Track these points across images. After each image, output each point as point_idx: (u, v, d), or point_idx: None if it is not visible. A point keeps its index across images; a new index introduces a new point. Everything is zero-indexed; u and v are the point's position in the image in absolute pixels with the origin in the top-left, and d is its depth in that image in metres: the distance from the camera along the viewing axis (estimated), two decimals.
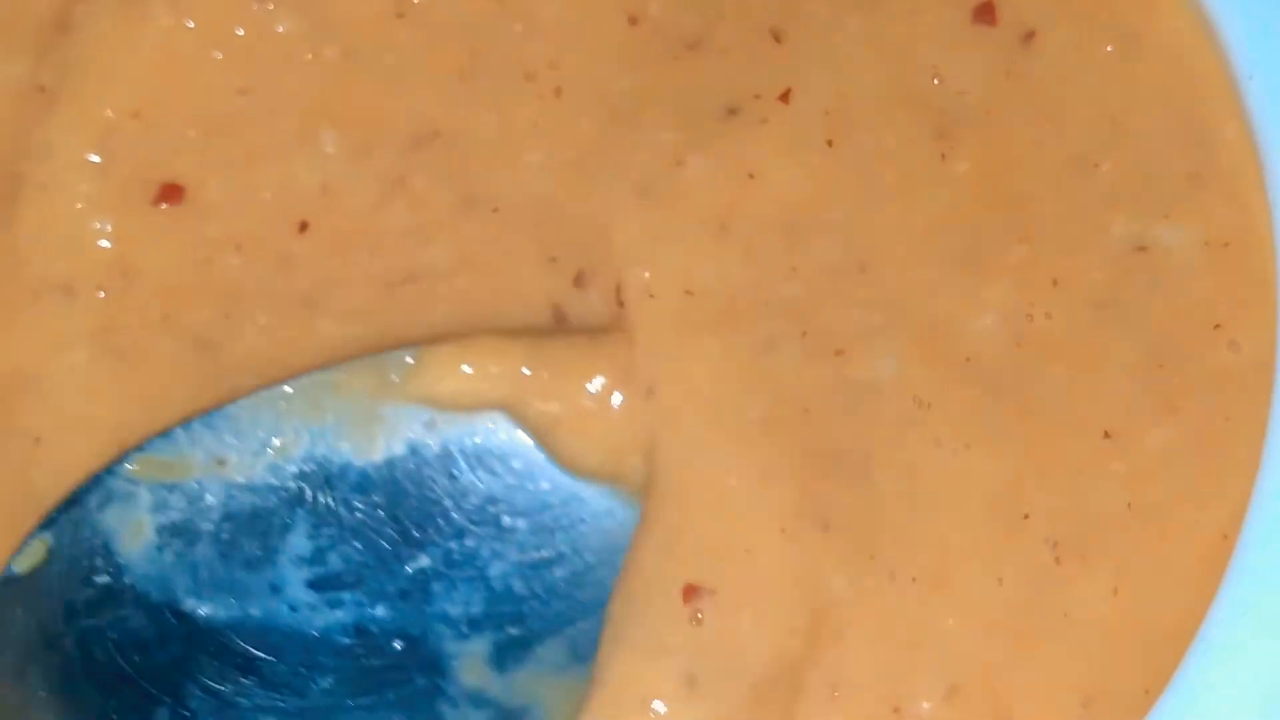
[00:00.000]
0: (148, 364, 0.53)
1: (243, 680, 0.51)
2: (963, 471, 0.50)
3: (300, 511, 0.52)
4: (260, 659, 0.51)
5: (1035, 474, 0.50)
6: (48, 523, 0.51)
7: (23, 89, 0.55)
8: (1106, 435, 0.50)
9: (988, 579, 0.50)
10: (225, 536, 0.52)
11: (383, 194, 0.53)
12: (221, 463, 0.52)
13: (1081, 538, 0.50)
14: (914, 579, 0.50)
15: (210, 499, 0.52)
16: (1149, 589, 0.50)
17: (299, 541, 0.52)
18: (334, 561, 0.52)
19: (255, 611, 0.51)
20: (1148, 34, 0.52)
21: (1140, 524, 0.50)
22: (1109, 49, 0.52)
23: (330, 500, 0.52)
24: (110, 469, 0.51)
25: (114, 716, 0.51)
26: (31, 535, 0.51)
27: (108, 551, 0.51)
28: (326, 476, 0.52)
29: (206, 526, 0.52)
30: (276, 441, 0.52)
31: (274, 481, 0.52)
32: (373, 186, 0.53)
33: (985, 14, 0.53)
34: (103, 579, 0.51)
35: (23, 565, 0.51)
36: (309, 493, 0.52)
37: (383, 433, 0.52)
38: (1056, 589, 0.50)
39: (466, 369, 0.51)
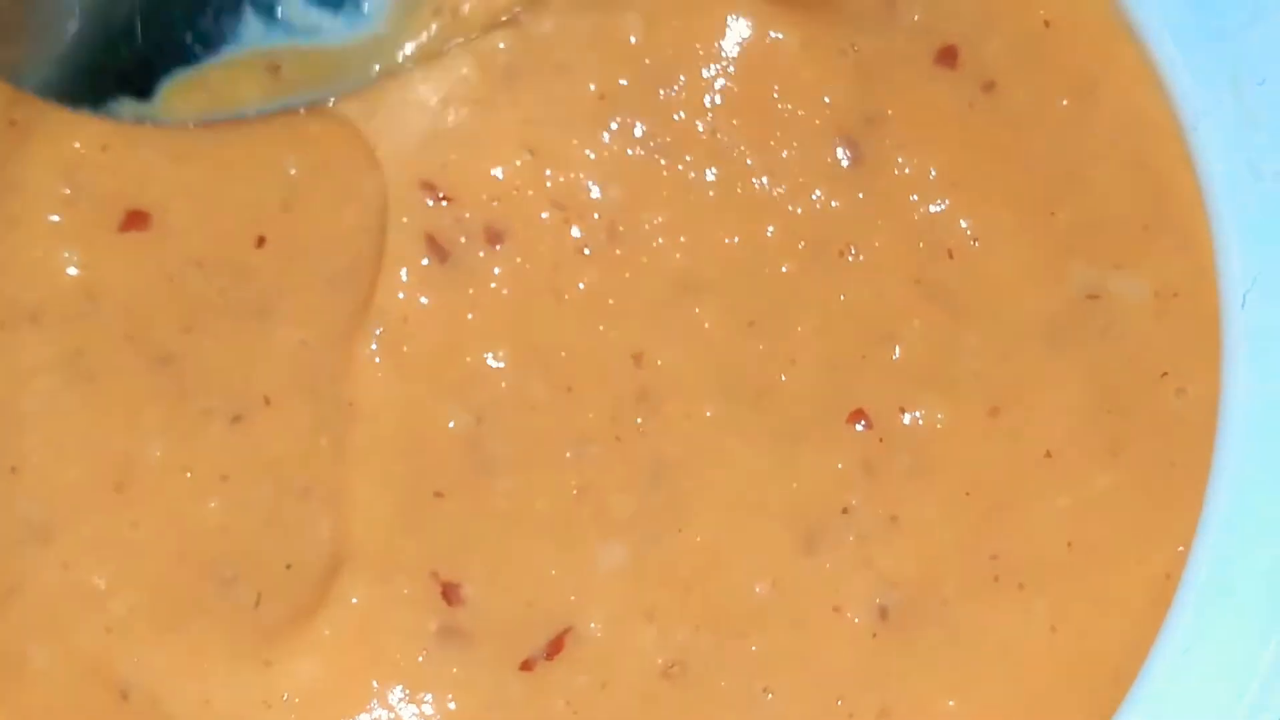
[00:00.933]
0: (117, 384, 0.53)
1: None
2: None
3: None
4: None
5: (979, 494, 0.52)
6: None
7: None
8: (1048, 455, 0.52)
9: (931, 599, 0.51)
10: None
11: None
12: None
13: (1021, 562, 0.51)
14: None
15: None
16: (1089, 627, 0.51)
17: None
18: None
19: None
20: (1102, 86, 0.53)
21: (1081, 562, 0.51)
22: (1064, 102, 0.53)
23: None
24: None
25: None
26: None
27: None
28: None
29: None
30: None
31: None
32: None
33: (947, 57, 0.54)
34: None
35: None
36: None
37: None
38: (995, 619, 0.51)
39: None
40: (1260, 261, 0.51)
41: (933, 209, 0.53)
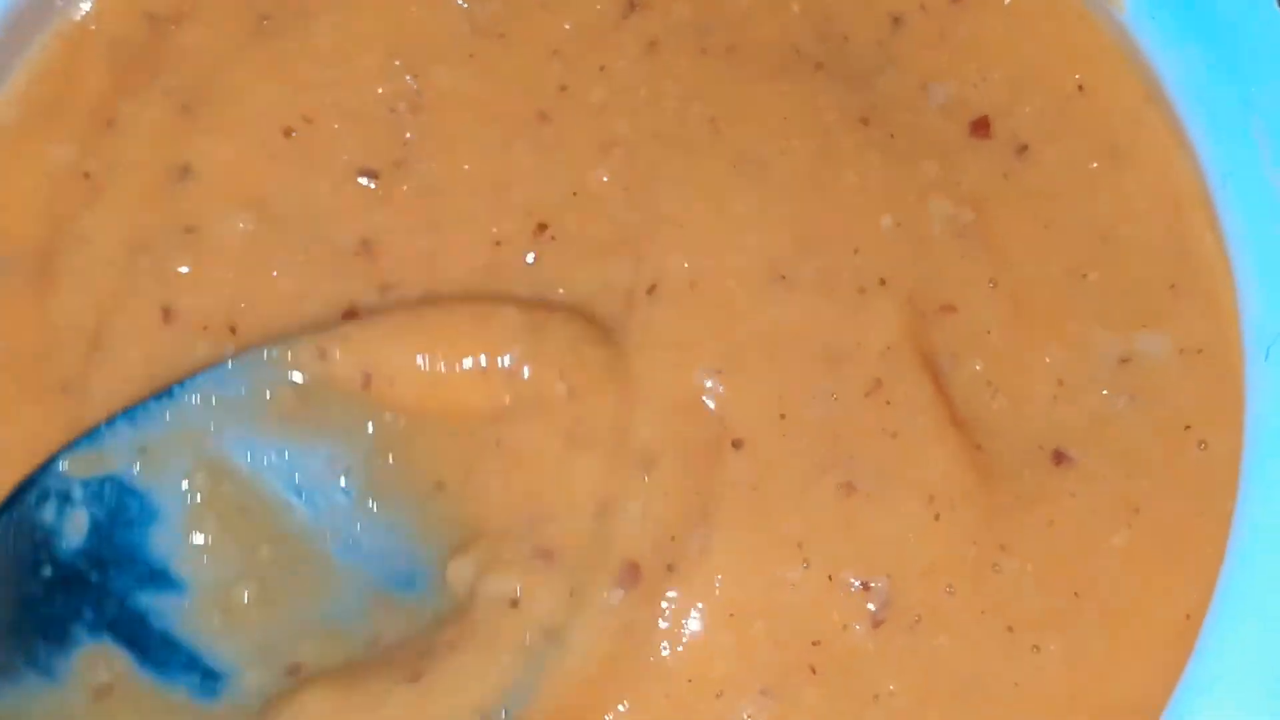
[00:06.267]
0: None
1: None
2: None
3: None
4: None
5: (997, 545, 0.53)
6: None
7: (68, 174, 0.57)
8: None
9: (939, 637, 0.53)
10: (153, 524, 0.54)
11: None
12: (144, 450, 0.54)
13: (1035, 614, 0.53)
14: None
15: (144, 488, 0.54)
16: (1105, 666, 0.52)
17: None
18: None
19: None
20: (1132, 149, 0.55)
21: (1095, 607, 0.53)
22: (1095, 165, 0.55)
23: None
24: (44, 468, 0.54)
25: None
26: None
27: (49, 546, 0.53)
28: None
29: (134, 511, 0.54)
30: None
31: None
32: None
33: (981, 128, 0.56)
34: (46, 571, 0.53)
35: None
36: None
37: None
38: (1006, 660, 0.52)
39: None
40: None
41: (971, 260, 0.55)
